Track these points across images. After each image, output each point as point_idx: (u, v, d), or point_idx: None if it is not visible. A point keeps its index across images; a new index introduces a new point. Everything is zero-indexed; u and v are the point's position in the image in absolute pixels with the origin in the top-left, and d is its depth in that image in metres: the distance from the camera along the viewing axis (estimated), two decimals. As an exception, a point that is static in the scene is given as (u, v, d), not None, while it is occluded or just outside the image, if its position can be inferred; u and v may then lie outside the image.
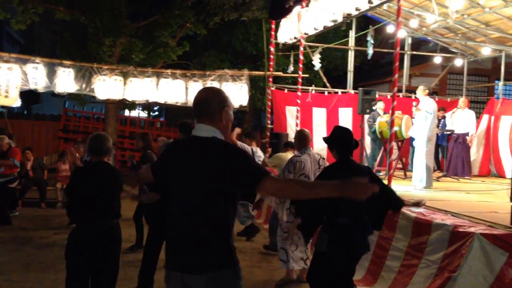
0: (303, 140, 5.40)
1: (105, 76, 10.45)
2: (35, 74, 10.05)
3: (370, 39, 10.02)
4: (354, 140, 4.09)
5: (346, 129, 4.17)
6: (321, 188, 2.45)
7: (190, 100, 10.84)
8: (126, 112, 20.14)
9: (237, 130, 8.05)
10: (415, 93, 8.82)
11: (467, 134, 10.00)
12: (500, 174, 11.04)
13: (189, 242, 2.43)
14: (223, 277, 2.40)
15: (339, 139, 4.04)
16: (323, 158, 5.38)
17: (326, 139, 4.14)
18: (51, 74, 10.24)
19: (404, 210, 5.47)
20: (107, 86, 10.48)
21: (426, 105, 7.94)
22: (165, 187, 2.61)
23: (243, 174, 2.40)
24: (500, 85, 12.07)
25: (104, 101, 11.10)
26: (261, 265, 6.43)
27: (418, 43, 14.35)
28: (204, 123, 2.52)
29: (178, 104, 10.91)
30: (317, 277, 3.96)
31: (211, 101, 2.53)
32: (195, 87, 10.78)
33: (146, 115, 25.57)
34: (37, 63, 10.04)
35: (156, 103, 11.24)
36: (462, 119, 10.02)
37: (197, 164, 2.45)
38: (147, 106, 22.04)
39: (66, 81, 10.31)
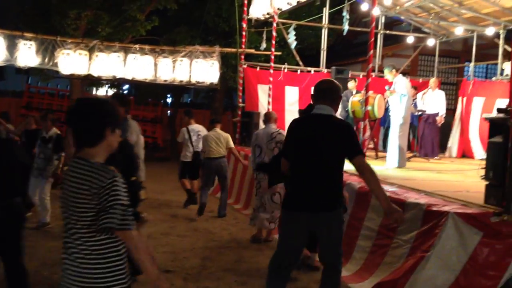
0: (265, 118, 6.53)
1: (69, 50, 9.96)
2: (-6, 47, 9.53)
3: (345, 15, 9.83)
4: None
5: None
6: (381, 192, 3.49)
7: (159, 77, 10.45)
8: (94, 91, 19.55)
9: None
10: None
11: (437, 114, 9.98)
12: (468, 155, 11.11)
13: (317, 190, 3.52)
14: (339, 213, 3.64)
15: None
16: (280, 132, 6.14)
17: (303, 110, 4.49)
18: (11, 47, 9.72)
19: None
20: (71, 61, 9.99)
21: (400, 87, 7.80)
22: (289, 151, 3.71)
23: (349, 146, 3.49)
24: (471, 66, 12.11)
25: (68, 76, 10.62)
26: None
27: (391, 23, 14.27)
28: (325, 104, 3.58)
29: (147, 80, 10.52)
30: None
31: (334, 89, 3.67)
32: (165, 63, 10.41)
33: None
34: (-4, 35, 9.51)
35: (123, 80, 10.81)
36: (432, 100, 9.99)
37: (323, 132, 3.53)
38: (115, 83, 21.38)
39: (27, 54, 9.80)
